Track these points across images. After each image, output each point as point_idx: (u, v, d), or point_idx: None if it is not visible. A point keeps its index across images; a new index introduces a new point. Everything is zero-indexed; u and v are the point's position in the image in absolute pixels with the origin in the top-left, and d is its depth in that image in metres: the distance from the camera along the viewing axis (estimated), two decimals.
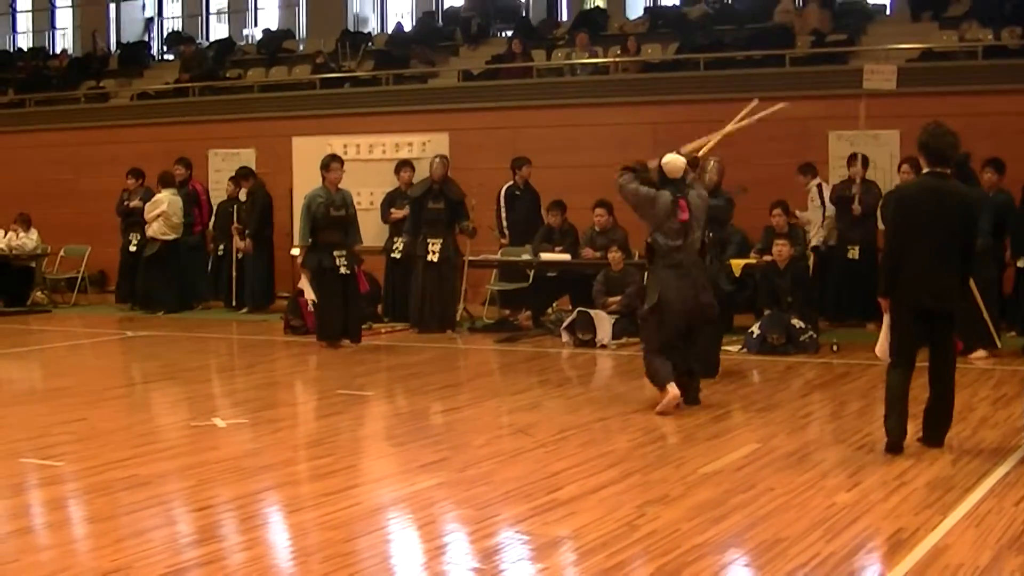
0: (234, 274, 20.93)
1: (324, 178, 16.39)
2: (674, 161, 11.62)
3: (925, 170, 9.95)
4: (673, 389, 11.23)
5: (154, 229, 20.58)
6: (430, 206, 18.03)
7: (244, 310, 20.67)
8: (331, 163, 16.51)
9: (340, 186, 16.45)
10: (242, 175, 21.11)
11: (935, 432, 9.86)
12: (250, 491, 8.65)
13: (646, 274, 12.41)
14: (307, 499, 8.39)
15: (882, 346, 10.10)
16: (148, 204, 20.75)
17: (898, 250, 9.75)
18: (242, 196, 20.99)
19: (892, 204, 10.25)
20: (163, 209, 20.47)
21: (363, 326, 16.91)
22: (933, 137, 9.80)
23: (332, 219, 16.14)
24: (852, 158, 17.53)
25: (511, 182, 19.07)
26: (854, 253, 17.31)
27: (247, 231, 20.75)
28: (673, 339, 11.54)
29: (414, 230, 18.17)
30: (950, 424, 9.95)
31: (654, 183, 11.61)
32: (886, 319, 9.98)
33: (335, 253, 16.10)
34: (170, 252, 20.65)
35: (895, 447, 9.63)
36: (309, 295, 16.33)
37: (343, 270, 16.10)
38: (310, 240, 16.13)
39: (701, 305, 11.63)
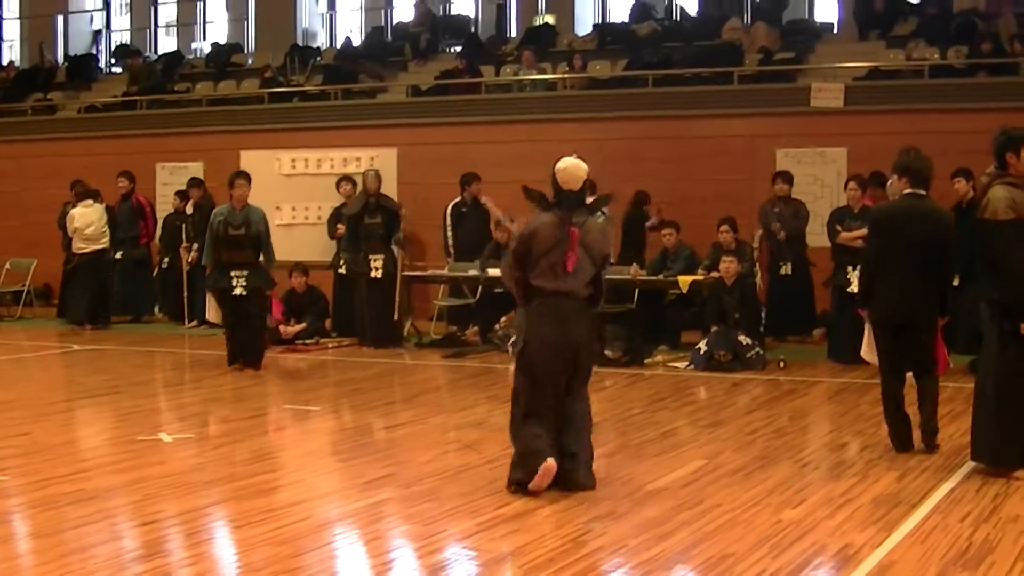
0: (184, 290, 20.82)
1: (230, 195, 15.80)
2: (575, 169, 9.06)
3: (907, 191, 10.38)
4: (548, 464, 8.74)
5: (75, 244, 20.57)
6: (367, 221, 17.97)
7: (193, 323, 20.56)
8: (236, 179, 15.84)
9: (260, 203, 16.12)
10: (192, 184, 21.02)
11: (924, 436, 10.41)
12: (196, 506, 8.61)
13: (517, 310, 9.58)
14: (253, 514, 8.34)
15: (867, 350, 10.86)
16: (67, 219, 20.75)
17: (874, 267, 10.36)
18: (189, 209, 20.90)
19: (870, 223, 10.74)
20: (75, 225, 20.46)
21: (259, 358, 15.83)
22: (915, 160, 10.37)
23: (230, 238, 15.44)
24: (776, 176, 17.67)
25: (459, 198, 19.06)
26: (786, 269, 17.42)
27: (195, 244, 20.68)
28: (546, 400, 9.02)
29: (352, 247, 18.12)
30: (936, 431, 10.41)
31: (543, 199, 9.14)
32: (867, 327, 10.72)
33: (232, 273, 15.40)
34: (86, 265, 20.58)
35: (903, 448, 10.33)
36: (212, 317, 16.17)
37: (237, 291, 15.38)
38: (216, 260, 15.59)
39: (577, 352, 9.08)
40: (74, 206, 20.89)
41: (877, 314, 10.45)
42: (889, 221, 10.46)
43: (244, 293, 15.40)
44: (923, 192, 10.36)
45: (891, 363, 10.46)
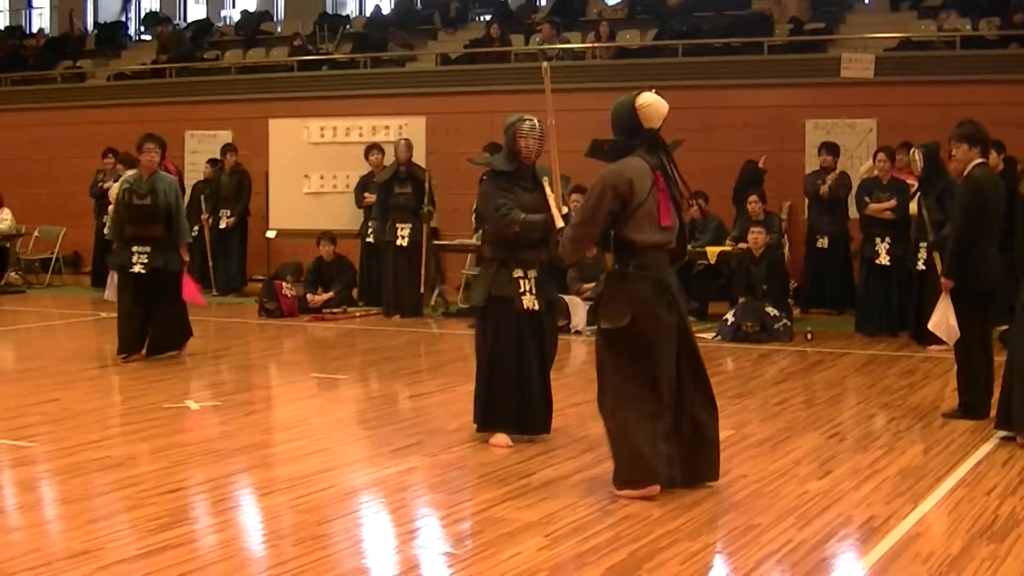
0: (209, 258, 20.88)
1: (138, 161, 14.18)
2: (658, 104, 8.20)
3: (978, 160, 10.48)
4: (653, 490, 7.94)
5: None
6: (396, 191, 18.02)
7: (214, 292, 20.61)
8: (144, 143, 14.00)
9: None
10: (228, 149, 21.03)
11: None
12: (222, 474, 8.63)
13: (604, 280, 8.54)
14: (280, 482, 8.37)
15: (941, 324, 10.62)
16: (113, 187, 20.72)
17: (973, 235, 10.39)
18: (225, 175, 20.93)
19: (973, 191, 10.47)
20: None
21: (173, 342, 14.24)
22: (981, 131, 10.51)
23: (134, 209, 13.79)
24: (822, 147, 17.56)
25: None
26: (823, 243, 17.33)
27: (233, 209, 20.72)
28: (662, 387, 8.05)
29: (382, 215, 18.15)
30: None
31: (616, 145, 8.31)
32: (944, 298, 10.53)
33: (135, 249, 13.71)
34: None
35: (986, 415, 10.38)
36: (109, 295, 14.81)
37: (137, 268, 13.67)
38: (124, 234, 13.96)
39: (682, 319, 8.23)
40: (115, 174, 20.91)
41: (978, 282, 10.46)
42: (992, 189, 10.49)
43: (143, 272, 13.72)
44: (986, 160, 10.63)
45: (985, 332, 10.66)
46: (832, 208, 17.20)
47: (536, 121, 9.55)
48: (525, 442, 9.46)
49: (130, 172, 14.12)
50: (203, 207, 20.95)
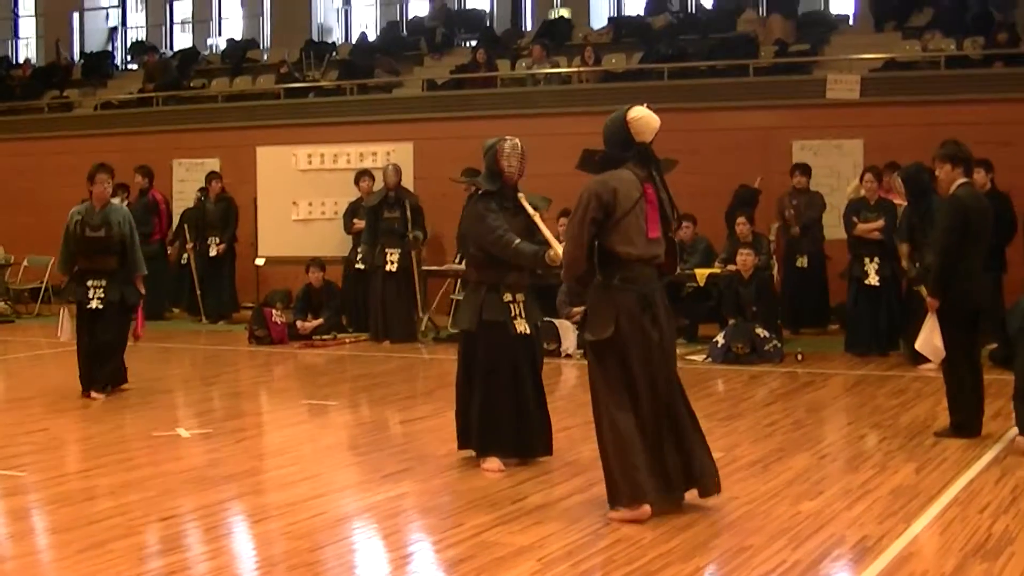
0: (197, 286, 20.86)
1: (90, 193, 13.55)
2: (649, 118, 8.20)
3: (961, 180, 10.53)
4: (644, 511, 7.87)
5: None
6: (386, 215, 18.04)
7: (209, 320, 20.62)
8: (96, 174, 13.49)
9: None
10: (213, 177, 21.02)
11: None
12: (214, 501, 8.62)
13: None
14: (272, 509, 8.36)
15: (927, 344, 10.64)
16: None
17: (957, 253, 10.39)
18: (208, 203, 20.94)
19: (955, 209, 10.48)
20: None
21: (117, 377, 13.66)
22: (965, 150, 10.58)
23: (87, 241, 13.29)
24: (795, 168, 17.68)
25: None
26: (802, 262, 17.45)
27: (221, 237, 20.70)
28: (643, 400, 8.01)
29: (371, 240, 18.14)
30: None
31: (606, 157, 8.25)
32: (930, 318, 10.52)
33: (90, 283, 13.26)
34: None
35: (976, 434, 10.47)
36: (63, 334, 13.77)
37: (94, 304, 13.22)
38: (75, 268, 13.49)
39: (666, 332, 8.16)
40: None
41: (963, 301, 10.45)
42: (976, 207, 10.51)
43: (101, 307, 13.28)
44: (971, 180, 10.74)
45: (970, 350, 10.63)
46: (807, 229, 17.32)
47: (518, 141, 9.56)
48: (516, 466, 9.45)
49: (80, 205, 13.56)
50: (187, 235, 20.95)
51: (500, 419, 9.44)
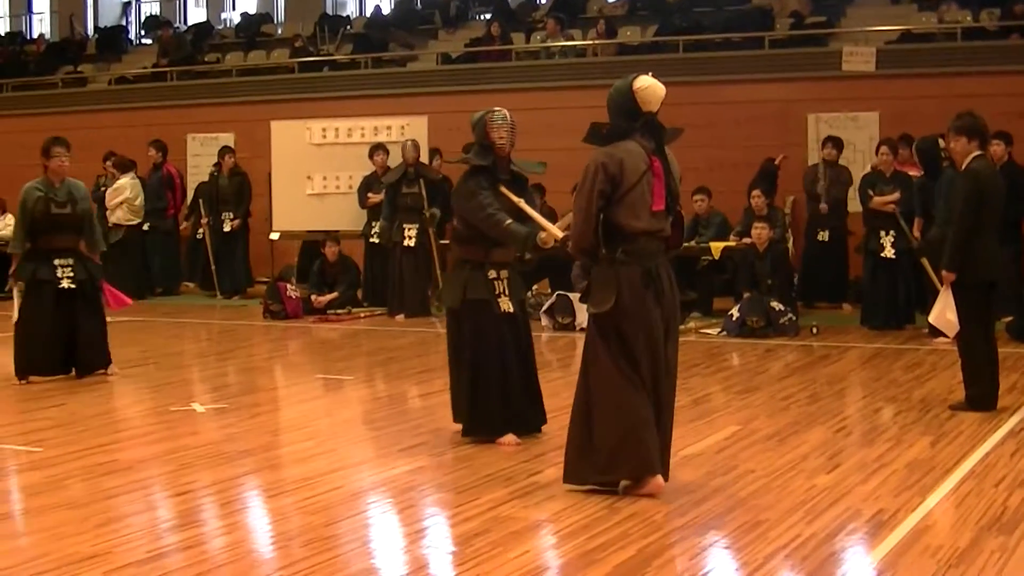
0: (212, 261, 20.89)
1: (45, 167, 13.14)
2: (656, 87, 8.09)
3: (976, 153, 10.50)
4: (658, 483, 7.88)
5: (118, 216, 20.61)
6: (404, 191, 18.03)
7: (224, 295, 20.65)
8: (52, 147, 13.11)
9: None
10: (226, 151, 21.02)
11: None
12: (230, 476, 8.64)
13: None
14: (287, 484, 8.37)
15: (941, 318, 10.63)
16: (109, 191, 20.78)
17: (974, 227, 10.36)
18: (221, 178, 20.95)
19: (973, 183, 10.42)
20: (126, 195, 20.51)
21: (103, 359, 13.20)
22: (980, 123, 10.54)
23: (54, 218, 12.82)
24: (827, 141, 17.60)
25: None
26: (824, 236, 17.39)
27: (235, 212, 20.71)
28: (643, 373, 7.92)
29: (390, 216, 18.13)
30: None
31: (613, 129, 8.08)
32: (945, 292, 10.51)
33: (57, 262, 12.77)
34: (135, 238, 20.62)
35: (993, 407, 10.44)
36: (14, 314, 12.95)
37: (65, 283, 12.75)
38: (27, 245, 12.88)
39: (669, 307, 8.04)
40: (113, 178, 20.93)
41: (979, 274, 10.42)
42: (992, 180, 10.52)
43: (74, 286, 12.84)
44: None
45: (988, 324, 10.64)
46: (831, 203, 17.27)
47: (507, 112, 9.55)
48: (532, 441, 9.45)
49: (36, 181, 13.05)
50: (202, 210, 20.96)
51: (489, 398, 9.42)
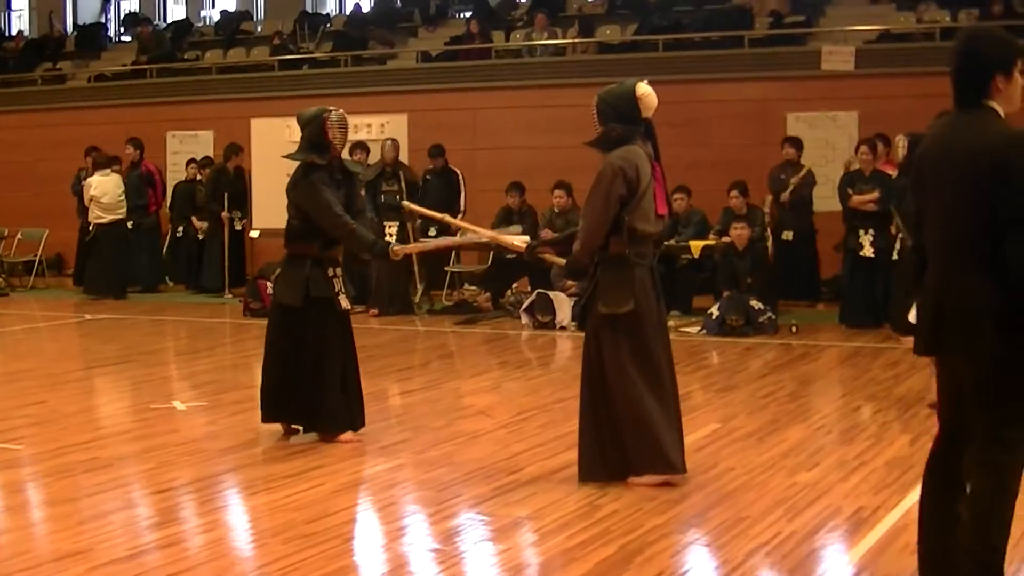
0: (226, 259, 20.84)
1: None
2: (653, 96, 8.24)
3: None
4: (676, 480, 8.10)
5: (92, 214, 20.52)
6: (384, 189, 18.03)
7: (229, 295, 20.58)
8: None
9: None
10: (233, 151, 20.90)
11: None
12: (210, 473, 8.64)
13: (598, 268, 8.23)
14: (268, 481, 8.37)
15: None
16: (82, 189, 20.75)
17: None
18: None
19: None
20: (92, 193, 20.38)
21: None
22: None
23: None
24: (785, 141, 17.66)
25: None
26: (787, 235, 17.39)
27: (244, 210, 20.68)
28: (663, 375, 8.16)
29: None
30: None
31: (621, 134, 8.12)
32: None
33: None
34: (105, 235, 20.51)
35: None
36: None
37: None
38: None
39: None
40: (90, 174, 20.88)
41: None
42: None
43: None
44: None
45: None
46: (796, 203, 17.29)
47: (343, 111, 9.62)
48: (513, 439, 9.47)
49: None
50: (201, 206, 20.91)
51: (335, 396, 9.46)
